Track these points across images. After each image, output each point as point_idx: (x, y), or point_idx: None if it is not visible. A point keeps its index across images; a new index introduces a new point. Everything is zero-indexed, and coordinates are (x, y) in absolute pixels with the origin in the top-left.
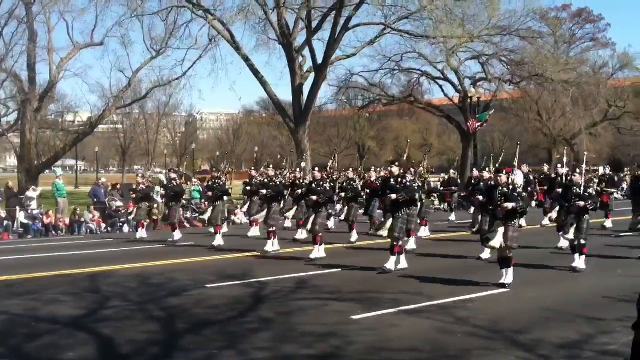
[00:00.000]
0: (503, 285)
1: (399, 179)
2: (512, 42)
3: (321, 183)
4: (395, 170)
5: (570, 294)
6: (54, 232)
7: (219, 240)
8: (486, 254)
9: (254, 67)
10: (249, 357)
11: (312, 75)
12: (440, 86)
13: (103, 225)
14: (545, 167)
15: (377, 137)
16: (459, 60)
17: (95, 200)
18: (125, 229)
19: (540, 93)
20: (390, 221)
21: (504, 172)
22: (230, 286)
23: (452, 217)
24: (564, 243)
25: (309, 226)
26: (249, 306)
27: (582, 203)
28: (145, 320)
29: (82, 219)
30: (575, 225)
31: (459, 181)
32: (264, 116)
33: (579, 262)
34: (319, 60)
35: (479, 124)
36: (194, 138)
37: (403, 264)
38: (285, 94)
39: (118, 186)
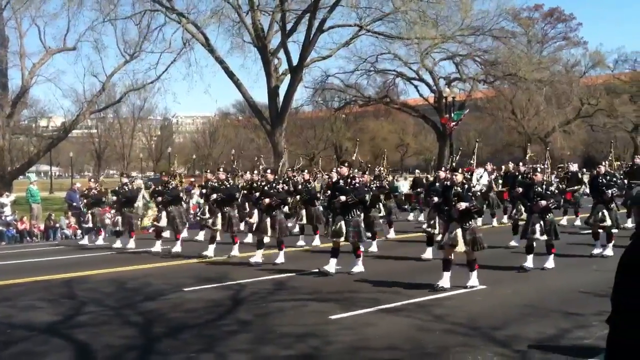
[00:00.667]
0: (468, 288)
1: (349, 180)
2: (485, 42)
3: (274, 185)
4: (345, 171)
5: (546, 289)
6: (28, 239)
7: (177, 247)
8: (428, 254)
9: (229, 69)
10: None
11: (287, 77)
12: (416, 86)
13: (79, 231)
14: (511, 165)
15: (354, 138)
16: (434, 60)
17: (74, 204)
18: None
19: (514, 92)
20: (341, 224)
21: (459, 171)
22: (207, 289)
23: (412, 216)
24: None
25: (269, 232)
26: (227, 309)
27: (544, 202)
28: (122, 325)
29: (57, 225)
30: (541, 226)
31: (424, 181)
32: (240, 119)
33: (549, 261)
34: (295, 62)
35: (453, 123)
36: (169, 141)
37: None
38: (261, 96)
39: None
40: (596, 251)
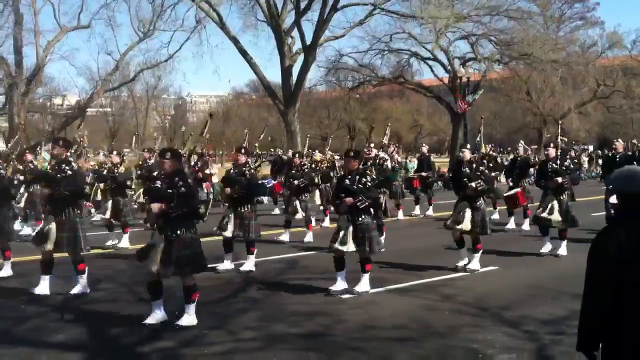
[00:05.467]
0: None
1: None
2: (501, 22)
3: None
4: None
5: (556, 272)
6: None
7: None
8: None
9: (242, 48)
10: (237, 337)
11: (301, 57)
12: (430, 67)
13: (93, 210)
14: (425, 148)
15: (368, 118)
16: (448, 40)
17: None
18: None
19: (530, 73)
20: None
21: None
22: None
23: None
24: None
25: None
26: (238, 286)
27: (350, 199)
28: (134, 301)
29: None
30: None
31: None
32: (253, 98)
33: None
34: (308, 41)
35: (466, 105)
36: (183, 120)
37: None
38: (274, 76)
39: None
40: (461, 263)
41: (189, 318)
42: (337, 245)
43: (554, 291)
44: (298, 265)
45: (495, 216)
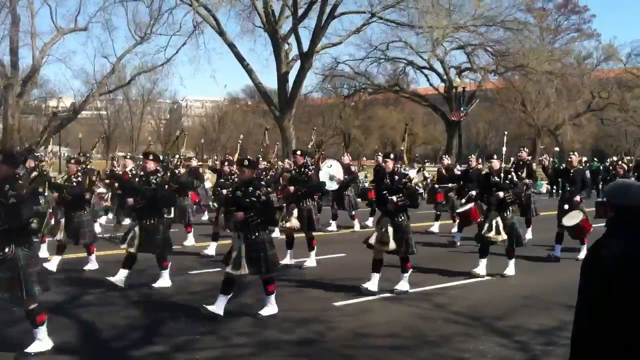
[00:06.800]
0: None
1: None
2: (497, 32)
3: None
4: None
5: (548, 281)
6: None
7: None
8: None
9: (239, 54)
10: (230, 343)
11: (297, 63)
12: (426, 76)
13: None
14: (381, 158)
15: (363, 126)
16: (445, 50)
17: None
18: (110, 215)
19: (525, 84)
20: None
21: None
22: (212, 273)
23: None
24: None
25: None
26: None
27: (240, 215)
28: (127, 306)
29: None
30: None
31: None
32: (249, 104)
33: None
34: (305, 48)
35: (461, 114)
36: (178, 125)
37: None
38: (270, 82)
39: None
40: (400, 287)
41: (40, 344)
42: (229, 269)
43: (546, 301)
44: (292, 272)
45: (454, 229)
